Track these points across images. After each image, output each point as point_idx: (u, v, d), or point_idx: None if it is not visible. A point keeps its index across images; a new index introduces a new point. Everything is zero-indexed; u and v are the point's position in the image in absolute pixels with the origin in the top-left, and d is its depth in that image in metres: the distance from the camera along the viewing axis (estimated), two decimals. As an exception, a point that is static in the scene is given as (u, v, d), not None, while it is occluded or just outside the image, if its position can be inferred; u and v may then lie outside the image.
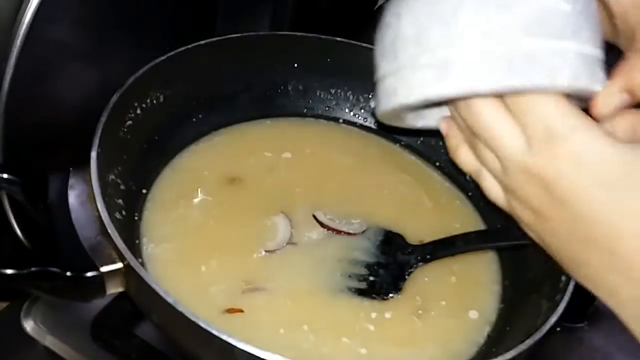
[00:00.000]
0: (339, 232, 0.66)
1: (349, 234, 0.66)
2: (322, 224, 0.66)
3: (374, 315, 0.60)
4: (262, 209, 0.67)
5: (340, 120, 0.80)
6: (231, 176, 0.70)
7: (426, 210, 0.72)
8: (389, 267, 0.64)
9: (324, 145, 0.76)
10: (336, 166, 0.74)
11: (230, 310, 0.57)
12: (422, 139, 0.78)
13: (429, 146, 0.78)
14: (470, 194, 0.74)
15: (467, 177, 0.75)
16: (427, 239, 0.67)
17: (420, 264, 0.65)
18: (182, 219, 0.64)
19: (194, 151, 0.72)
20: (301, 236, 0.65)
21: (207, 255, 0.61)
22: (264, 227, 0.65)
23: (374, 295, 0.62)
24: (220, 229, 0.64)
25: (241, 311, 0.58)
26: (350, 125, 0.80)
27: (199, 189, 0.67)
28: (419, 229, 0.69)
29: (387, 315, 0.61)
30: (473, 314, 0.63)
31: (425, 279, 0.65)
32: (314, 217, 0.67)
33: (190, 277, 0.59)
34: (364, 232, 0.67)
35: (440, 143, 0.77)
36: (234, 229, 0.64)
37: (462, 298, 0.64)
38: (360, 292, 0.62)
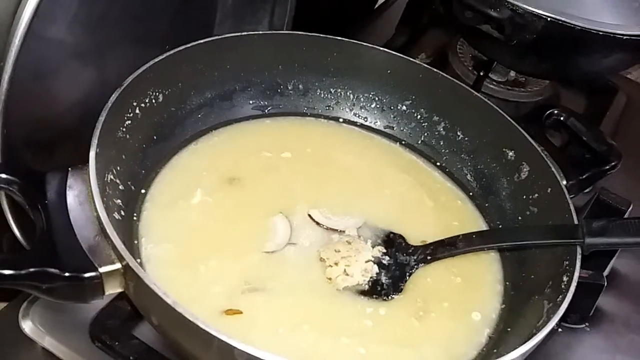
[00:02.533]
0: (334, 230, 0.66)
1: (343, 231, 0.66)
2: (317, 223, 0.66)
3: (373, 316, 0.60)
4: (261, 210, 0.66)
5: (341, 120, 0.80)
6: (230, 176, 0.69)
7: (427, 210, 0.72)
8: (389, 267, 0.64)
9: (324, 145, 0.76)
10: (336, 166, 0.74)
11: (229, 312, 0.57)
12: (422, 139, 0.78)
13: (430, 146, 0.78)
14: (471, 193, 0.74)
15: (469, 177, 0.75)
16: (428, 239, 0.67)
17: (421, 265, 0.65)
18: (181, 219, 0.64)
19: (193, 151, 0.71)
20: (301, 236, 0.65)
21: (206, 255, 0.61)
22: (263, 227, 0.65)
23: (374, 296, 0.62)
24: (219, 229, 0.64)
25: (240, 312, 0.57)
26: (351, 125, 0.79)
27: (198, 189, 0.67)
28: (420, 229, 0.68)
29: (387, 316, 0.60)
30: (476, 316, 0.62)
31: (428, 280, 0.64)
32: (309, 215, 0.66)
33: (189, 278, 0.59)
34: (359, 228, 0.67)
35: (441, 143, 0.77)
36: (233, 230, 0.64)
37: (464, 299, 0.63)
38: (361, 293, 0.62)
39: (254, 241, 0.63)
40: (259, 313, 0.58)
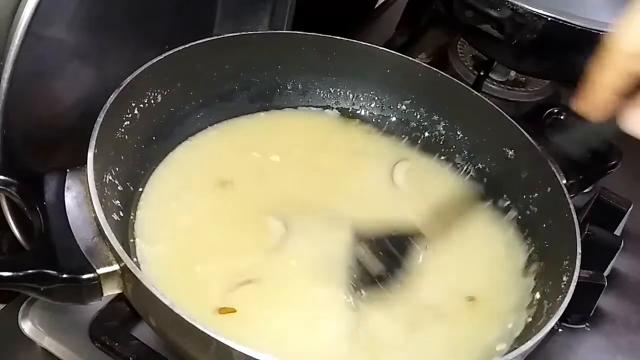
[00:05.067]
0: None
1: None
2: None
3: (373, 320, 0.60)
4: (256, 209, 0.66)
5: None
6: (225, 175, 0.69)
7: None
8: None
9: (322, 143, 0.76)
10: (336, 165, 0.74)
11: (222, 310, 0.57)
12: (422, 138, 0.78)
13: (429, 145, 0.77)
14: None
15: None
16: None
17: None
18: (175, 219, 0.64)
19: (188, 147, 0.71)
20: (296, 237, 0.64)
21: (200, 256, 0.61)
22: (258, 228, 0.64)
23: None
24: (213, 229, 0.64)
25: (234, 311, 0.57)
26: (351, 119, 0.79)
27: (192, 188, 0.67)
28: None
29: (387, 316, 0.60)
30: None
31: (428, 277, 0.64)
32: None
33: (184, 278, 0.59)
34: None
35: (441, 142, 0.77)
36: (228, 230, 0.64)
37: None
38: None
39: (250, 241, 0.63)
40: (254, 311, 0.58)
